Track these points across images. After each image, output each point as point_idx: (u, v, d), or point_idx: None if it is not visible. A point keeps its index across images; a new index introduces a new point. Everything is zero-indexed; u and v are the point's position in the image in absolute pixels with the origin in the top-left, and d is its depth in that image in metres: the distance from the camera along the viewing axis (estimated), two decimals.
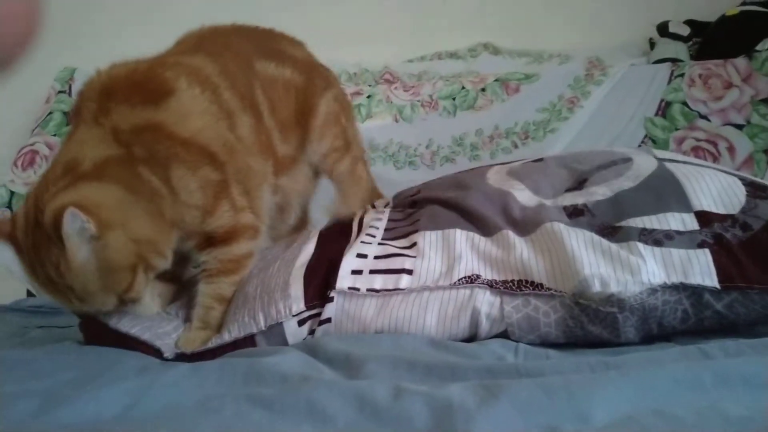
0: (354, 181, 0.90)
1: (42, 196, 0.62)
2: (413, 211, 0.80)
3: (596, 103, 1.30)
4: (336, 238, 0.78)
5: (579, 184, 0.77)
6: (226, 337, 0.69)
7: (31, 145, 1.40)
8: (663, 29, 1.41)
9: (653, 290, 0.62)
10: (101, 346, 0.68)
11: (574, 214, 0.72)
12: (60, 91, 1.45)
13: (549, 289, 0.64)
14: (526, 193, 0.77)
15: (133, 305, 0.67)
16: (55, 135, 1.41)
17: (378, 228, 0.79)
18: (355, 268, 0.70)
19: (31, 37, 0.32)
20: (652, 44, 1.43)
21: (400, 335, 0.65)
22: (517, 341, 0.64)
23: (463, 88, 1.35)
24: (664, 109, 1.27)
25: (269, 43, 0.88)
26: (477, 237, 0.72)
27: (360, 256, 0.71)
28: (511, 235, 0.70)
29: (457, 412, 0.44)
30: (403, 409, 0.45)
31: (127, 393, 0.51)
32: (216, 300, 0.72)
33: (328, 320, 0.68)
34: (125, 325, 0.70)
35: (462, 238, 0.71)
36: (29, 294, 1.19)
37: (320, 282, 0.69)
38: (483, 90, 1.34)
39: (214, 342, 0.69)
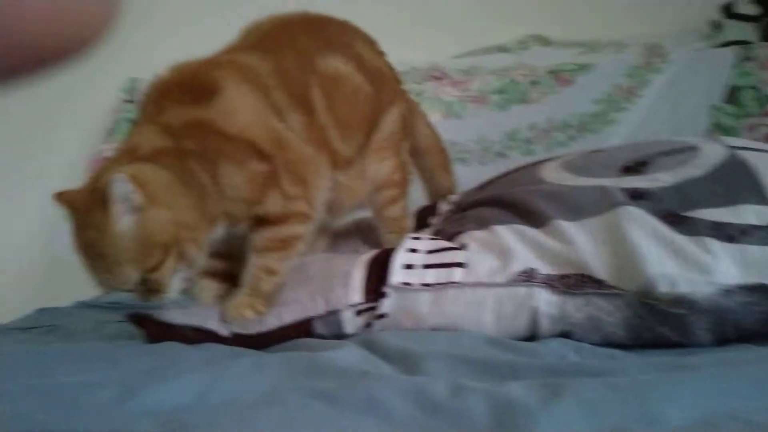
0: (399, 230, 0.87)
1: (105, 171, 0.68)
2: (460, 216, 0.79)
3: (657, 91, 1.23)
4: None
5: (638, 165, 0.73)
6: (286, 318, 0.70)
7: (102, 153, 1.50)
8: (729, 10, 1.32)
9: (727, 291, 0.59)
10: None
11: (635, 197, 0.68)
12: (126, 101, 1.54)
13: (611, 287, 0.62)
14: (583, 179, 0.74)
15: (155, 295, 0.68)
16: None
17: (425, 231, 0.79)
18: (406, 262, 0.70)
19: (111, 22, 0.32)
20: (717, 26, 1.34)
21: (457, 332, 0.65)
22: (579, 341, 0.62)
23: (514, 81, 1.32)
24: (732, 95, 1.19)
25: (341, 38, 0.87)
26: (527, 229, 0.70)
27: (411, 251, 0.72)
28: (564, 224, 0.68)
29: (519, 410, 0.43)
30: (463, 406, 0.45)
31: (197, 384, 0.54)
32: (264, 272, 0.75)
33: (385, 315, 0.68)
34: (181, 318, 0.72)
35: (509, 232, 0.70)
36: None
37: (377, 277, 0.70)
38: (534, 83, 1.30)
39: (273, 323, 0.70)
